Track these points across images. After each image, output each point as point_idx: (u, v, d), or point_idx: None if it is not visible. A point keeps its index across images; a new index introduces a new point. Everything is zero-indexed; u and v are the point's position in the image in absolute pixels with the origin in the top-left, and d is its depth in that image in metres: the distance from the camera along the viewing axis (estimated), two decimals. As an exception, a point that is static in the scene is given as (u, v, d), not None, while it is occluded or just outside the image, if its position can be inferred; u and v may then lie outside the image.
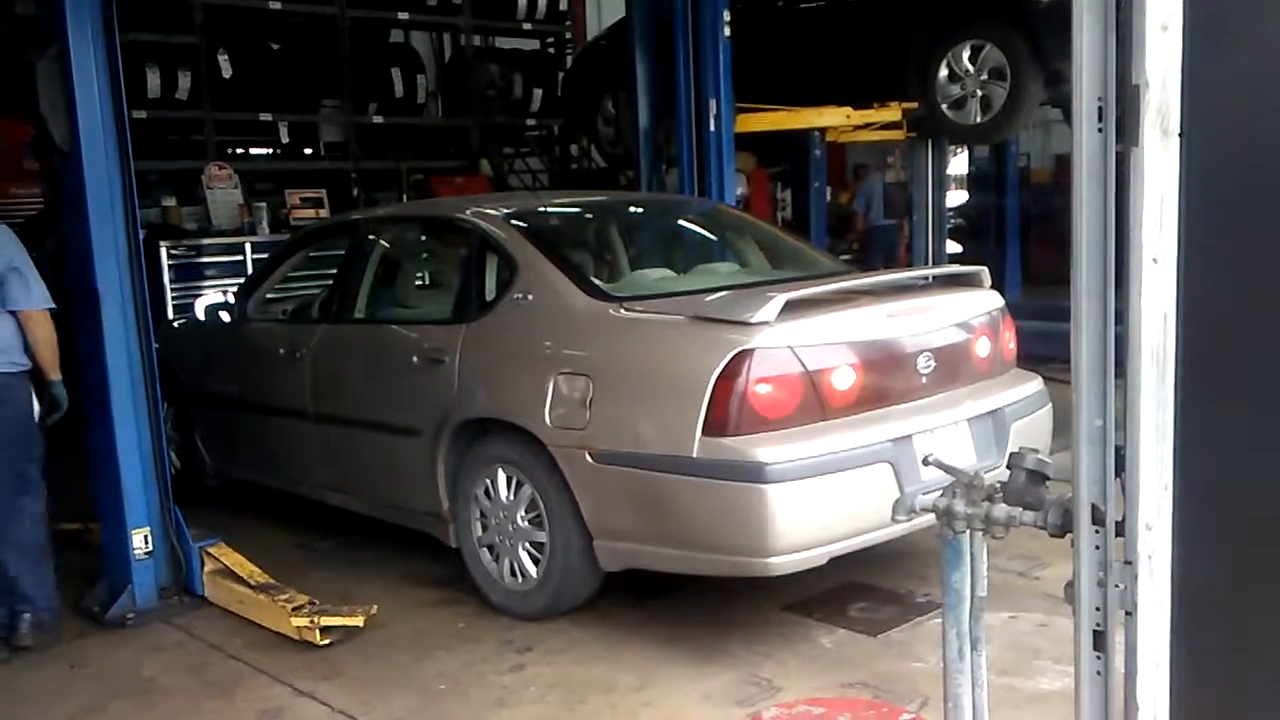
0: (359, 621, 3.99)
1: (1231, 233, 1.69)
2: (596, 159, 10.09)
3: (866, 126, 7.97)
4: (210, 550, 4.46)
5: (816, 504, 3.46)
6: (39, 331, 3.97)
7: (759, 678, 3.53)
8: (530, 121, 11.21)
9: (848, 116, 7.53)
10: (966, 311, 4.17)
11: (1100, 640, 1.82)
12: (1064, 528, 1.89)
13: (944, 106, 6.58)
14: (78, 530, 4.98)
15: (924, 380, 3.89)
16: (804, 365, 3.55)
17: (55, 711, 3.59)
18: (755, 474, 3.38)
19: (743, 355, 3.45)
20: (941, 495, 2.03)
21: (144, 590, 4.31)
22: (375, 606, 4.07)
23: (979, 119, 6.47)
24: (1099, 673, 1.84)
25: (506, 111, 10.88)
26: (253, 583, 4.29)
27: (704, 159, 6.34)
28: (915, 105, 7.07)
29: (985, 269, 4.42)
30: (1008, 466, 1.98)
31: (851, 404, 3.66)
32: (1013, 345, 4.39)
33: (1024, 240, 10.35)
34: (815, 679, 3.51)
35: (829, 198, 10.78)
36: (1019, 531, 2.02)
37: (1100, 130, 1.71)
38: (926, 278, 4.39)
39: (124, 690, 3.71)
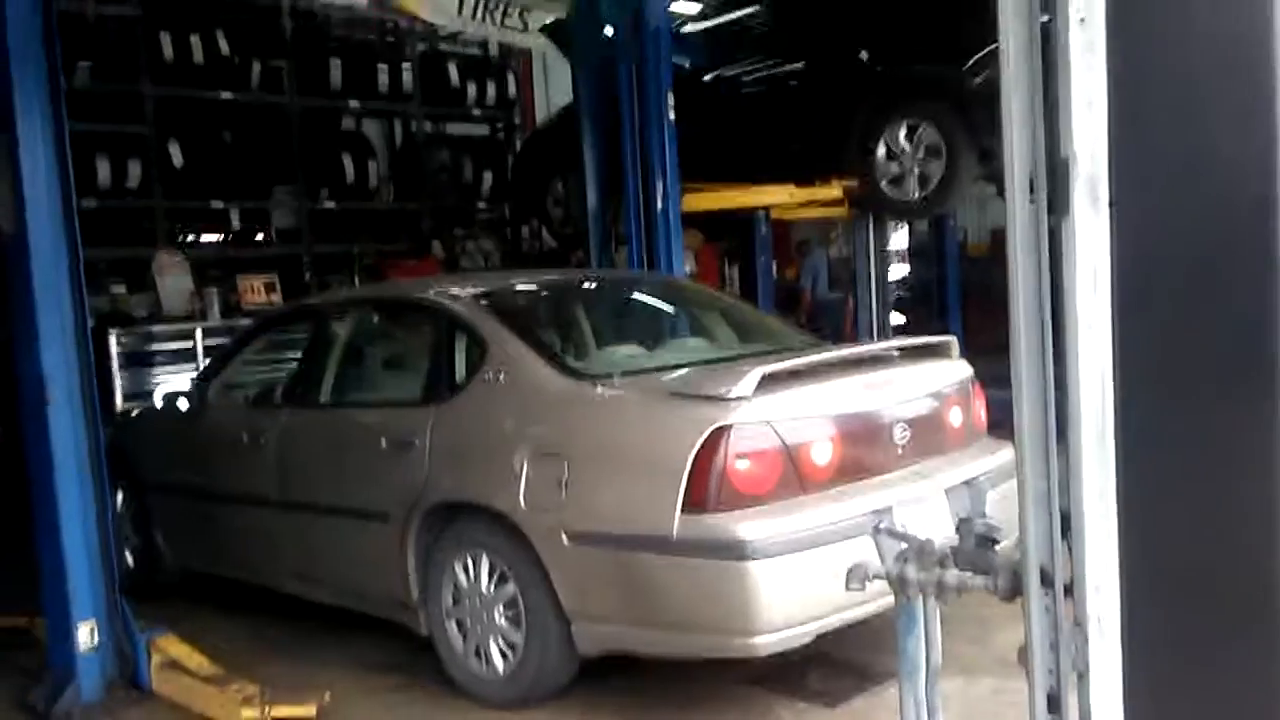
0: (310, 710, 3.91)
1: (1164, 297, 1.76)
2: (547, 239, 10.20)
3: (810, 204, 8.15)
4: (158, 641, 4.35)
5: (800, 580, 3.43)
6: None
7: (721, 754, 3.51)
8: (481, 204, 11.33)
9: (791, 194, 7.71)
10: (938, 382, 4.23)
11: (1054, 703, 1.85)
12: (1014, 591, 1.92)
13: (883, 184, 6.76)
14: (21, 625, 4.85)
15: (900, 451, 3.91)
16: (782, 439, 3.55)
17: (-5, 815, 3.47)
18: (737, 551, 3.35)
19: (721, 431, 3.43)
20: (894, 562, 2.07)
21: (90, 684, 4.19)
22: (328, 694, 3.99)
23: (917, 195, 6.65)
24: (1055, 735, 1.86)
25: (457, 195, 11.00)
26: (202, 674, 4.19)
27: (653, 237, 6.46)
28: (856, 183, 7.25)
29: (954, 339, 4.48)
30: (956, 531, 2.02)
31: (830, 477, 3.67)
32: (983, 414, 4.43)
33: (965, 310, 10.58)
34: (777, 753, 3.50)
35: (775, 273, 10.95)
36: (970, 598, 2.05)
37: (1033, 202, 1.78)
38: (897, 349, 4.44)
39: (68, 790, 3.59)
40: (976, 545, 2.00)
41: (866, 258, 8.86)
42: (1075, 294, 1.73)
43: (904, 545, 2.08)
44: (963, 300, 10.68)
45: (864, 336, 8.70)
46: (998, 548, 2.02)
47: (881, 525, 3.37)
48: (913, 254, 12.78)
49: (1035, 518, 1.82)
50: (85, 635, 4.21)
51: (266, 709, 3.86)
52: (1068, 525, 1.79)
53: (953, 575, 2.00)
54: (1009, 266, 1.80)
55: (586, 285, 5.50)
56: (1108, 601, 1.77)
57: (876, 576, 2.11)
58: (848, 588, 2.20)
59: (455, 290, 4.61)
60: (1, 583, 4.88)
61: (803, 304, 11.83)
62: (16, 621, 4.87)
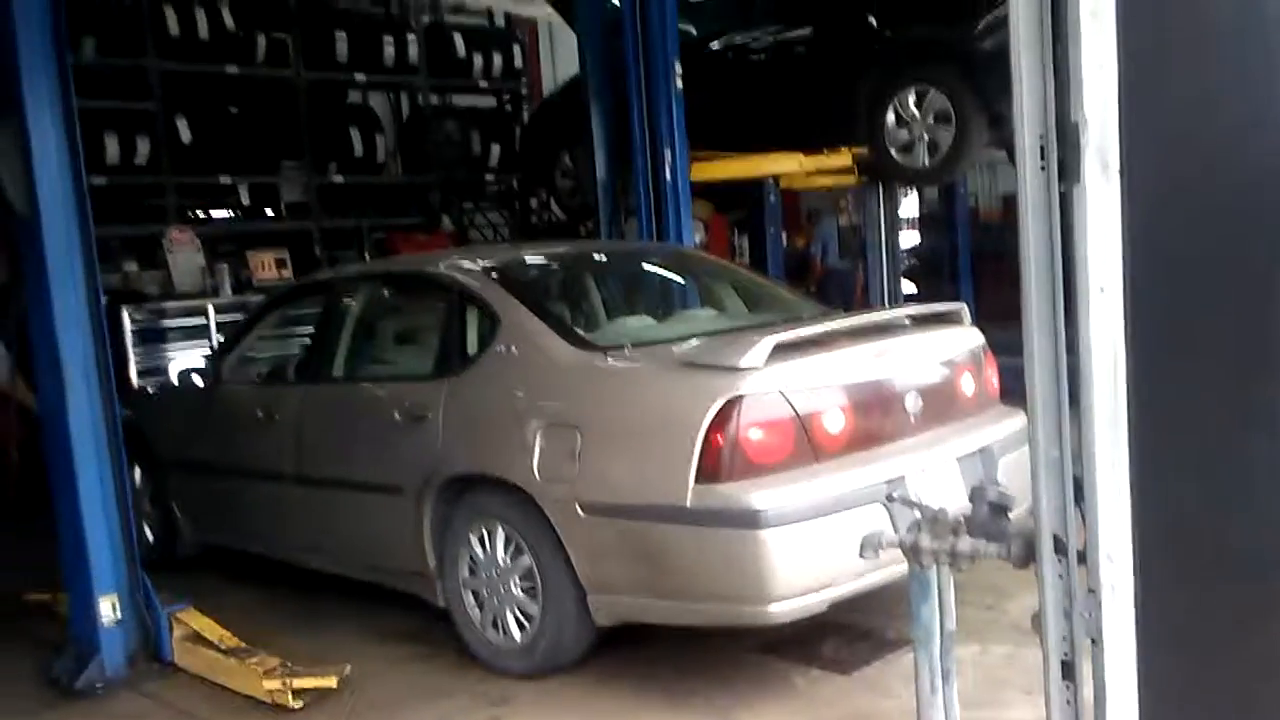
0: (331, 682, 3.95)
1: (1174, 262, 1.76)
2: (556, 212, 10.18)
3: (819, 172, 8.11)
4: (179, 615, 4.40)
5: (814, 548, 3.44)
6: None
7: (735, 721, 3.54)
8: (489, 177, 11.31)
9: (799, 163, 7.67)
10: (950, 349, 4.22)
11: (1069, 669, 1.86)
12: (1027, 559, 1.93)
13: (893, 151, 6.71)
14: (45, 601, 4.90)
15: (913, 419, 3.92)
16: (795, 409, 3.56)
17: (23, 786, 3.52)
18: (751, 520, 3.36)
19: (734, 401, 3.44)
20: (908, 531, 2.08)
21: (113, 658, 4.24)
22: (348, 666, 4.04)
23: (927, 162, 6.60)
24: (1069, 701, 1.88)
25: (466, 167, 10.98)
26: (223, 646, 4.24)
27: (662, 208, 6.44)
28: (865, 150, 7.21)
29: (965, 306, 4.47)
30: (970, 500, 2.03)
31: (843, 445, 3.67)
32: (995, 381, 4.42)
33: (976, 278, 10.53)
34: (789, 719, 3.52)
35: (785, 242, 10.90)
36: (984, 565, 2.06)
37: (1043, 168, 1.78)
38: (908, 317, 4.44)
39: (94, 762, 3.65)
40: (989, 513, 2.01)
41: (877, 226, 8.81)
42: (1087, 260, 1.73)
43: (917, 514, 2.09)
44: (974, 267, 10.62)
45: (875, 305, 8.67)
46: (1010, 515, 2.03)
47: (894, 494, 3.37)
48: (924, 221, 12.72)
49: (1048, 486, 1.82)
50: (107, 610, 4.26)
51: (288, 681, 3.91)
52: (1081, 493, 1.79)
53: (966, 543, 2.01)
54: (1020, 233, 1.80)
55: (596, 257, 5.49)
56: (1121, 569, 1.78)
57: (890, 545, 2.12)
58: (861, 556, 2.21)
59: (466, 264, 4.61)
60: (25, 558, 4.95)
61: (813, 273, 11.80)
62: (40, 597, 4.93)
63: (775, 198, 9.72)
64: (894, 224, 9.05)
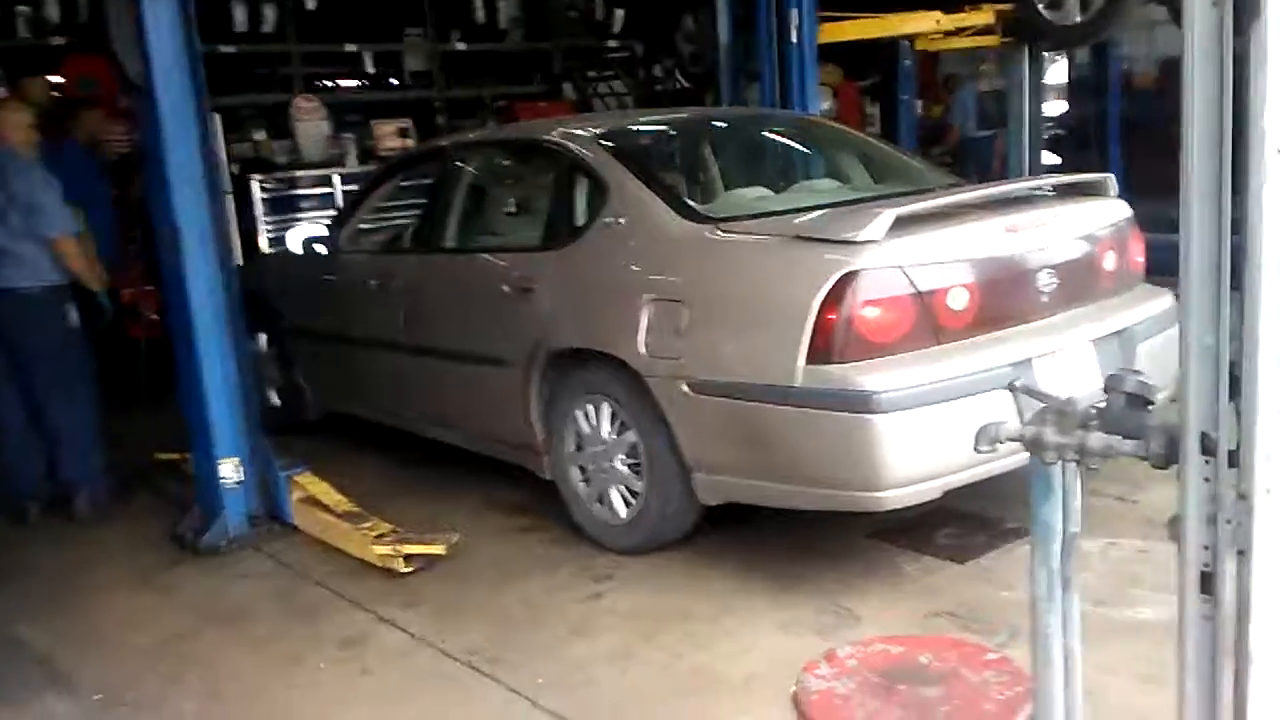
0: (440, 549, 4.01)
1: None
2: (680, 79, 9.88)
3: (958, 32, 7.58)
4: (297, 478, 4.51)
5: (929, 434, 3.25)
6: (65, 251, 4.70)
7: (840, 607, 3.44)
8: (612, 43, 11.03)
9: (937, 22, 7.17)
10: (1091, 223, 3.91)
11: (1209, 582, 1.67)
12: (1169, 458, 1.71)
13: (1040, 6, 6.18)
14: (174, 461, 5.09)
15: (1045, 299, 3.65)
16: (915, 286, 3.33)
17: (148, 636, 3.69)
18: (863, 403, 3.19)
19: (848, 277, 3.23)
20: (1029, 423, 1.88)
21: (235, 518, 4.39)
22: (457, 534, 4.08)
23: (1079, 18, 6.06)
24: (1207, 617, 1.69)
25: (588, 34, 10.72)
26: (338, 510, 4.33)
27: (786, 73, 6.12)
28: (1010, 6, 6.68)
29: (1111, 176, 4.13)
30: (1105, 389, 1.81)
31: (967, 326, 3.44)
32: (1140, 259, 4.10)
33: (1126, 149, 9.84)
34: (897, 608, 3.42)
35: (920, 110, 10.35)
36: (1117, 455, 1.85)
37: (1215, 5, 1.51)
38: (1047, 188, 4.11)
39: (214, 616, 3.79)
40: (1126, 405, 1.79)
41: (1020, 91, 8.23)
42: (1263, 114, 1.47)
43: (1042, 404, 1.88)
44: (1125, 138, 9.93)
45: (1015, 176, 8.18)
46: (1151, 408, 1.81)
47: (1018, 382, 3.14)
48: (1071, 88, 11.92)
49: (1199, 376, 1.60)
50: (229, 471, 4.39)
51: (398, 547, 3.97)
52: (1237, 385, 1.57)
53: (1097, 439, 1.79)
54: (1183, 84, 1.54)
55: (715, 125, 5.25)
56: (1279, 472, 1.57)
57: (1009, 439, 1.92)
58: (976, 449, 2.02)
59: (577, 130, 4.45)
60: (157, 426, 5.14)
61: (949, 142, 11.23)
62: (169, 457, 5.12)
63: (910, 61, 9.20)
64: (1039, 90, 8.45)
